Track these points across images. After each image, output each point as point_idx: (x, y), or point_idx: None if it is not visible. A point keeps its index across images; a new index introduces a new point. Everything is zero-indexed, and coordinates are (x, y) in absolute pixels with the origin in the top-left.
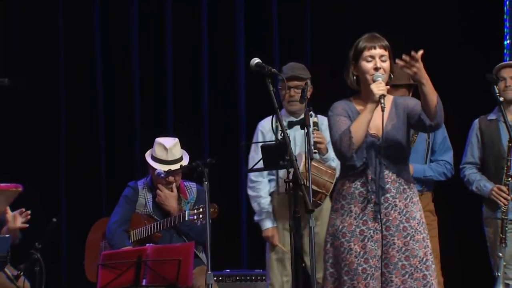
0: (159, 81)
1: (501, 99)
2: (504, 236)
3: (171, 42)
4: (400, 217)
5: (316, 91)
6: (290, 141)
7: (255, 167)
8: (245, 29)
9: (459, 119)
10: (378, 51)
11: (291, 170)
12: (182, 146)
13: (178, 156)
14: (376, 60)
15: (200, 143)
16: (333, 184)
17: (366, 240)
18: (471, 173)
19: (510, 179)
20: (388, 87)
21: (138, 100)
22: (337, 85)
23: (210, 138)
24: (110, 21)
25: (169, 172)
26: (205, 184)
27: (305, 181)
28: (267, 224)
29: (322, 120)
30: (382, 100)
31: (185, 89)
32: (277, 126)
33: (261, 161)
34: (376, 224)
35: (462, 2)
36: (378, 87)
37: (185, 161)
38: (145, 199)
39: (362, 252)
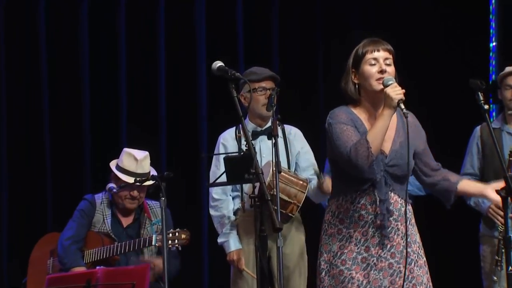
0: (110, 85)
1: (486, 107)
2: (499, 259)
3: (124, 43)
4: (403, 242)
5: (283, 98)
6: (255, 152)
7: (217, 181)
8: (206, 30)
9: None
10: (382, 54)
11: (257, 184)
12: None
13: (147, 170)
14: (380, 63)
15: (156, 154)
16: (305, 195)
17: (369, 268)
18: None
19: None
20: (404, 90)
21: (88, 106)
22: (308, 91)
23: (167, 148)
24: (57, 23)
25: (122, 187)
26: (162, 200)
27: (274, 190)
28: (232, 246)
29: (290, 130)
30: (402, 106)
31: (139, 94)
32: (240, 137)
33: (224, 175)
34: (380, 250)
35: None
36: (395, 91)
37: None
38: (103, 215)
39: (365, 282)
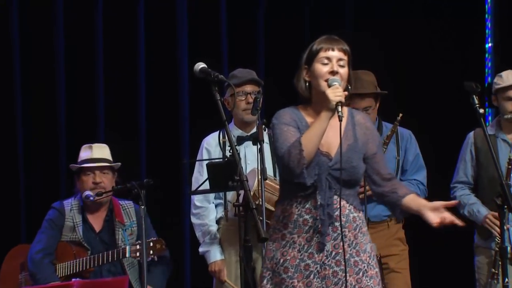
0: (87, 88)
1: (481, 111)
2: (496, 271)
3: (102, 43)
4: (350, 250)
5: (269, 102)
6: (240, 158)
7: (199, 189)
8: (188, 30)
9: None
10: (336, 54)
11: (241, 192)
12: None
13: (105, 157)
14: (333, 63)
15: (135, 160)
16: None
17: (312, 276)
18: (464, 195)
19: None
20: (346, 93)
21: (64, 109)
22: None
23: (147, 154)
24: (32, 21)
25: (99, 194)
26: (142, 209)
27: (259, 200)
28: (214, 257)
29: None
30: (339, 108)
31: (118, 97)
32: (224, 142)
33: (207, 182)
34: (324, 257)
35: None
36: (335, 93)
37: (117, 165)
38: (73, 222)
39: None
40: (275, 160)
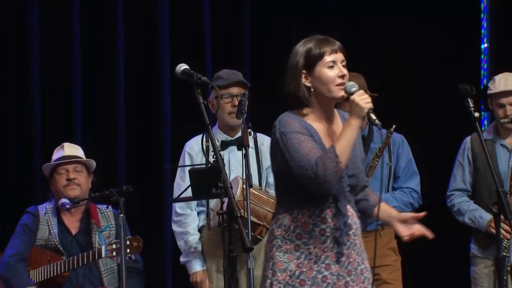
0: (63, 90)
1: (476, 114)
2: (506, 277)
3: (79, 43)
4: (358, 258)
5: (255, 105)
6: (224, 164)
7: (181, 196)
8: (170, 30)
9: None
10: (339, 56)
11: (225, 199)
12: (94, 171)
13: (78, 154)
14: (339, 66)
15: (114, 166)
16: None
17: None
18: (463, 202)
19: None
20: (375, 94)
21: (39, 112)
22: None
23: (127, 159)
24: (6, 21)
25: (76, 202)
26: (121, 217)
27: (242, 212)
28: (196, 267)
29: (263, 140)
30: (373, 116)
31: (96, 99)
32: (208, 147)
33: (189, 188)
34: (339, 268)
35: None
36: (363, 99)
37: (92, 164)
38: (48, 226)
39: None
40: (260, 167)
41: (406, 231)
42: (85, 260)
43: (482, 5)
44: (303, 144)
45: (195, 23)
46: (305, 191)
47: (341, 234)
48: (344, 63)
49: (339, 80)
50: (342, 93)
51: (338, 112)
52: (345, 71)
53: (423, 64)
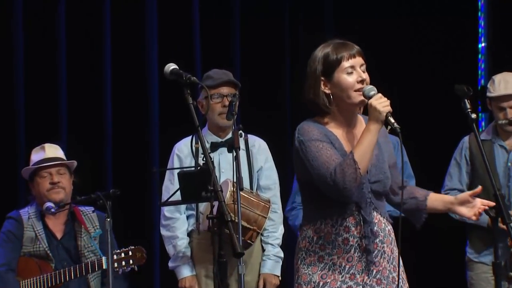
0: (48, 92)
1: (473, 116)
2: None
3: (65, 43)
4: (389, 266)
5: (245, 106)
6: (214, 167)
7: (170, 199)
8: (158, 28)
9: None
10: (358, 60)
11: (215, 203)
12: (79, 173)
13: (59, 156)
14: (358, 71)
15: (101, 169)
16: (266, 219)
17: None
18: None
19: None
20: (389, 101)
21: (23, 113)
22: (273, 98)
23: (114, 162)
24: None
25: (61, 206)
26: (107, 221)
27: (233, 216)
28: (185, 272)
29: (254, 141)
30: (391, 119)
31: (82, 100)
32: (197, 148)
33: (178, 192)
34: (366, 277)
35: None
36: (382, 103)
37: (74, 165)
38: (34, 231)
39: None
40: (251, 170)
41: (470, 212)
42: (84, 271)
43: (479, 3)
44: (322, 152)
45: (184, 21)
46: (327, 199)
47: (369, 242)
48: (364, 67)
49: (358, 86)
50: (361, 98)
51: (363, 118)
52: (364, 75)
53: (419, 64)
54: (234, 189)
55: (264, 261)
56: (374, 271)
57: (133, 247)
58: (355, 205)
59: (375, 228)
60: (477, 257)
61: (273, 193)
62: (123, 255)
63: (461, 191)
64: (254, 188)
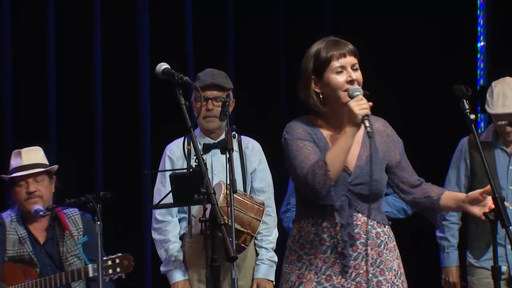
0: (37, 92)
1: (472, 116)
2: None
3: (54, 42)
4: (373, 270)
5: (239, 106)
6: (207, 169)
7: (162, 202)
8: (150, 27)
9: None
10: (349, 59)
11: (208, 206)
12: (68, 177)
13: (38, 161)
14: (348, 70)
15: (91, 171)
16: (260, 222)
17: None
18: (449, 223)
19: None
20: (371, 104)
21: (11, 112)
22: (268, 98)
23: (104, 164)
24: None
25: (50, 209)
26: (97, 225)
27: (226, 219)
28: (177, 277)
29: (247, 143)
30: (367, 123)
31: (72, 100)
32: (189, 150)
33: (170, 194)
34: (343, 280)
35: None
36: (360, 105)
37: (54, 169)
38: (17, 235)
39: None
40: (244, 172)
41: (481, 211)
42: (70, 278)
43: (478, 2)
44: (301, 151)
45: (177, 20)
46: (315, 202)
47: (344, 246)
48: (356, 66)
49: (347, 86)
50: (348, 99)
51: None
52: (355, 75)
53: (417, 63)
54: (228, 192)
55: (258, 265)
56: (353, 274)
57: (120, 254)
58: (334, 207)
59: (355, 231)
60: (478, 262)
61: (267, 196)
62: (110, 262)
63: None
64: (247, 190)
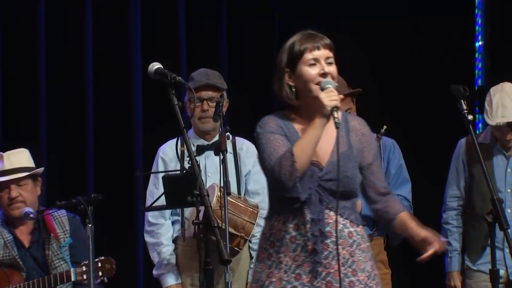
0: (27, 92)
1: (470, 117)
2: None
3: (44, 42)
4: (345, 270)
5: (232, 106)
6: (200, 170)
7: (154, 204)
8: (142, 27)
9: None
10: (323, 52)
11: (202, 208)
12: (58, 179)
13: (22, 165)
14: (321, 63)
15: (82, 172)
16: (254, 225)
17: None
18: (452, 226)
19: None
20: (342, 96)
21: (0, 113)
22: (262, 99)
23: (96, 166)
24: None
25: (40, 212)
26: (89, 227)
27: (219, 222)
28: (170, 280)
29: (241, 144)
30: (335, 114)
31: (63, 101)
32: (183, 151)
33: (163, 196)
34: (313, 279)
35: None
36: (330, 96)
37: (38, 172)
38: (2, 238)
39: None
40: (239, 174)
41: (426, 250)
42: (52, 283)
43: (476, 1)
44: (271, 144)
45: (170, 19)
46: (279, 195)
47: (316, 242)
48: (331, 60)
49: (320, 79)
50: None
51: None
52: (328, 69)
53: (414, 63)
54: (221, 194)
55: (252, 269)
56: (324, 273)
57: (102, 258)
58: (305, 203)
59: (327, 228)
60: (474, 265)
61: (262, 198)
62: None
63: (460, 198)
64: (241, 193)
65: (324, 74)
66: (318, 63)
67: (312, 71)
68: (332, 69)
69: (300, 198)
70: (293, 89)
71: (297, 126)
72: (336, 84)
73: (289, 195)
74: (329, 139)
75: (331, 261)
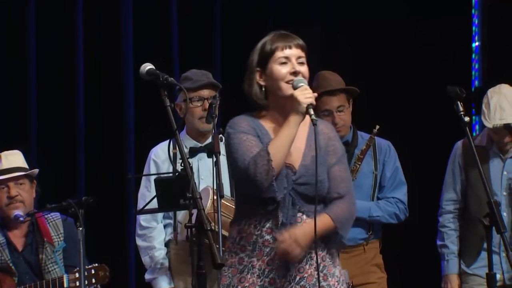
0: (18, 92)
1: (467, 119)
2: None
3: (34, 41)
4: (317, 274)
5: (225, 107)
6: (193, 173)
7: (146, 207)
8: (134, 27)
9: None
10: (294, 52)
11: (194, 211)
12: (50, 181)
13: (18, 165)
14: (292, 62)
15: (73, 175)
16: None
17: None
18: (450, 231)
19: None
20: (316, 94)
21: None
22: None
23: (87, 168)
24: None
25: (31, 215)
26: (80, 231)
27: (212, 225)
28: (162, 284)
29: None
30: (311, 111)
31: (53, 102)
32: (175, 153)
33: (155, 199)
34: (287, 283)
35: None
36: (304, 94)
37: (34, 172)
38: None
39: None
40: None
41: None
42: None
43: (473, 1)
44: (243, 144)
45: (161, 19)
46: (252, 197)
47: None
48: (302, 59)
49: (290, 77)
50: (291, 90)
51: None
52: (299, 68)
53: (410, 64)
54: (215, 197)
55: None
56: (298, 277)
57: (96, 265)
58: (278, 206)
59: None
60: (469, 269)
61: None
62: (85, 273)
63: (457, 201)
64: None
65: (294, 73)
66: (289, 62)
67: (282, 70)
68: (303, 69)
69: (276, 197)
70: (263, 89)
71: (268, 126)
72: (356, 89)
73: (264, 196)
74: (300, 142)
75: (305, 266)
